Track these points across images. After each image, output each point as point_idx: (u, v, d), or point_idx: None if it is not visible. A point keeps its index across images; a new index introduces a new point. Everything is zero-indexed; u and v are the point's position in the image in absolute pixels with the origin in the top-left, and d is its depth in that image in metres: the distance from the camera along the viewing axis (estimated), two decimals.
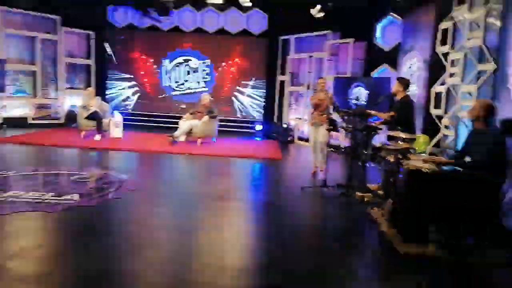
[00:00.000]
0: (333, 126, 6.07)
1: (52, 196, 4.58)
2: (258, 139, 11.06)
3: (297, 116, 11.29)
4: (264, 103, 12.13)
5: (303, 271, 3.12)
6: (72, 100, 11.46)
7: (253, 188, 6.01)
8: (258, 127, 11.63)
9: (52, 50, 11.14)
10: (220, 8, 11.32)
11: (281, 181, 6.56)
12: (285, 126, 11.18)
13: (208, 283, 2.82)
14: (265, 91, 12.11)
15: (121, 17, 12.02)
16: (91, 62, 11.98)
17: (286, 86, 11.51)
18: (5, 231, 3.66)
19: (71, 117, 10.94)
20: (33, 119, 10.75)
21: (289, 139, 10.89)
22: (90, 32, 11.79)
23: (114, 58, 12.11)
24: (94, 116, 8.99)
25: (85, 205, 4.41)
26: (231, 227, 4.20)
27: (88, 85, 11.54)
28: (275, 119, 11.73)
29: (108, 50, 11.96)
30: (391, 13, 8.74)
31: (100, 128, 8.98)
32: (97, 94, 9.89)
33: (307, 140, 10.57)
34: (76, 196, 4.64)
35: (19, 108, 10.61)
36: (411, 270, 3.21)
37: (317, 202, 5.19)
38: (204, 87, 12.22)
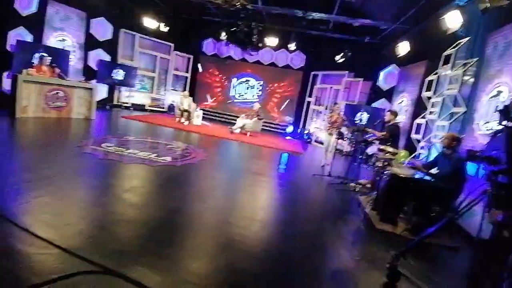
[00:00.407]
0: (341, 136, 5.90)
1: (154, 156, 4.72)
2: (288, 138, 10.94)
3: (316, 126, 11.03)
4: (294, 115, 11.93)
5: (308, 229, 3.09)
6: (173, 97, 11.80)
7: (279, 170, 5.98)
8: (289, 129, 11.49)
9: (166, 65, 11.51)
10: (274, 48, 11.21)
11: (299, 168, 6.47)
12: (307, 131, 10.98)
13: (243, 227, 2.85)
14: (295, 106, 11.90)
15: (209, 48, 12.23)
16: (188, 75, 12.30)
17: (311, 105, 11.28)
18: (124, 174, 3.87)
19: (171, 108, 11.33)
20: (148, 106, 11.20)
21: (308, 140, 10.68)
22: (190, 56, 12.09)
23: (200, 67, 12.38)
24: (185, 109, 9.25)
25: (173, 165, 4.53)
26: (262, 193, 4.20)
27: (184, 89, 11.90)
28: (301, 126, 11.54)
29: (200, 69, 12.25)
30: (393, 64, 8.28)
31: (188, 117, 9.25)
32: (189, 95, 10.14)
33: (321, 143, 10.38)
34: (168, 158, 4.77)
35: (141, 99, 11.08)
36: (383, 241, 3.07)
37: (322, 186, 5.07)
38: (256, 98, 12.20)
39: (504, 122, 1.86)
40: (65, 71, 7.19)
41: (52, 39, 7.72)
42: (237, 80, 12.38)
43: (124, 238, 2.30)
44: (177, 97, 10.74)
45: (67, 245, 1.95)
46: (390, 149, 4.20)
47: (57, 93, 6.34)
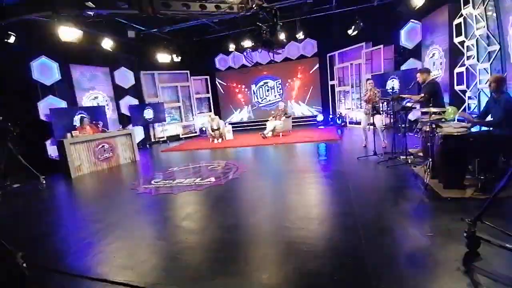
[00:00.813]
0: (377, 111, 5.63)
1: (199, 180, 4.91)
2: (321, 127, 10.67)
3: (347, 107, 10.61)
4: (321, 102, 11.61)
5: (369, 216, 2.95)
6: (202, 120, 12.20)
7: (321, 162, 5.83)
8: (320, 117, 11.20)
9: (187, 92, 12.00)
10: (284, 44, 11.10)
11: (341, 155, 6.23)
12: (338, 115, 10.60)
13: (302, 228, 2.82)
14: (320, 93, 11.58)
15: (222, 63, 12.52)
16: (209, 95, 12.66)
17: (336, 87, 10.89)
18: (177, 204, 4.06)
19: (202, 130, 11.73)
20: (182, 135, 11.73)
21: (342, 124, 10.30)
22: (206, 76, 12.47)
23: (221, 89, 12.70)
24: (215, 129, 9.52)
25: (217, 184, 4.65)
26: (310, 189, 4.11)
27: (209, 109, 12.27)
28: (330, 111, 11.19)
29: (221, 90, 12.57)
30: (411, 20, 7.68)
31: (220, 135, 9.51)
32: (215, 114, 10.45)
33: (356, 123, 9.95)
34: (212, 179, 4.92)
35: (174, 129, 11.62)
36: (453, 210, 2.81)
37: (371, 167, 4.82)
38: (279, 98, 12.14)
39: None
40: (105, 124, 7.90)
41: (85, 99, 8.54)
42: (256, 85, 12.46)
43: (193, 264, 2.41)
44: (205, 120, 11.10)
45: (144, 283, 2.11)
46: (434, 109, 3.86)
47: (103, 146, 6.97)
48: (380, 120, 5.76)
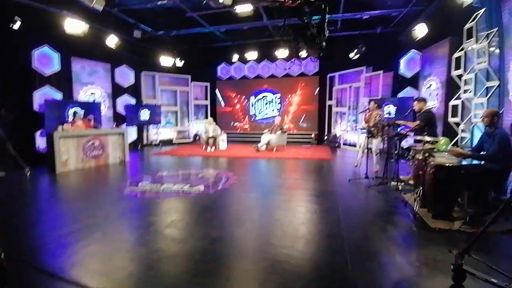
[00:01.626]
0: (371, 134, 5.67)
1: (187, 187, 4.82)
2: (315, 145, 10.71)
3: (342, 129, 10.71)
4: (318, 120, 11.70)
5: (356, 240, 2.90)
6: (197, 126, 12.17)
7: (312, 180, 5.79)
8: (314, 137, 11.25)
9: (186, 97, 11.99)
10: (285, 60, 11.28)
11: (332, 175, 6.21)
12: (332, 135, 10.69)
13: (288, 246, 2.76)
14: (318, 112, 11.70)
15: (224, 72, 12.63)
16: (207, 102, 12.64)
17: (333, 108, 11.03)
18: (162, 210, 3.95)
19: (196, 137, 11.65)
20: (175, 139, 11.63)
21: (336, 145, 10.36)
22: (207, 84, 12.51)
23: (221, 99, 12.76)
24: (211, 136, 9.45)
25: (206, 193, 4.58)
26: (299, 207, 4.05)
27: (206, 117, 12.24)
28: (326, 131, 11.27)
29: (218, 95, 12.62)
30: (412, 49, 7.91)
31: (213, 143, 9.45)
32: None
33: (350, 145, 10.03)
34: (201, 187, 4.84)
35: (168, 133, 11.54)
36: (440, 241, 2.80)
37: (361, 190, 4.81)
38: (277, 112, 12.21)
39: None
40: (98, 121, 7.78)
41: (82, 94, 8.44)
42: (255, 98, 12.54)
43: (172, 275, 2.31)
44: (201, 126, 11.05)
45: None
46: (428, 138, 3.90)
47: (93, 143, 6.83)
48: (377, 143, 5.80)
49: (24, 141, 6.58)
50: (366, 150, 6.00)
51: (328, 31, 4.79)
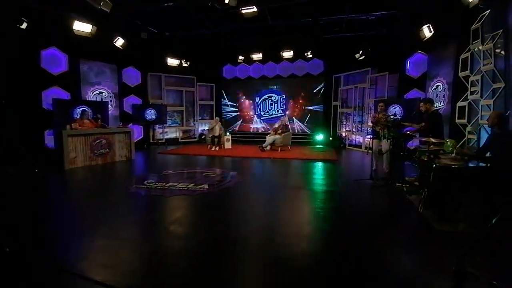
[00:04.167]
0: (377, 135, 5.66)
1: (192, 186, 4.87)
2: (320, 146, 10.69)
3: (347, 129, 10.68)
4: (323, 121, 11.68)
5: (361, 240, 2.91)
6: (202, 126, 12.30)
7: (317, 180, 5.79)
8: (319, 137, 11.24)
9: (191, 97, 12.10)
10: (291, 60, 11.31)
11: (337, 175, 6.20)
12: (338, 136, 10.66)
13: (292, 244, 2.78)
14: (323, 112, 11.68)
15: (229, 72, 12.69)
16: (213, 102, 12.74)
17: (339, 108, 11.01)
18: (167, 207, 4.01)
19: (202, 136, 11.75)
20: (181, 139, 11.73)
21: (341, 145, 10.33)
22: (212, 84, 12.59)
23: (226, 99, 12.82)
24: (216, 136, 9.53)
25: (211, 191, 4.61)
26: (304, 206, 4.07)
27: (212, 117, 12.32)
28: (331, 132, 11.25)
29: (224, 96, 12.69)
30: (418, 51, 7.86)
31: (218, 143, 9.50)
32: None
33: (356, 145, 9.99)
34: (206, 186, 4.88)
35: (173, 133, 11.68)
36: (445, 242, 2.80)
37: (367, 190, 4.79)
38: (282, 113, 12.23)
39: None
40: (105, 120, 7.91)
41: (90, 93, 8.60)
42: (260, 98, 12.57)
43: (176, 270, 2.35)
44: (207, 126, 11.12)
45: (124, 285, 2.05)
46: (433, 139, 3.88)
47: (101, 141, 6.95)
48: (386, 144, 5.76)
49: (33, 139, 6.73)
50: (378, 151, 5.96)
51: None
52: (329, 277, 2.24)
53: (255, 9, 6.29)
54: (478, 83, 5.21)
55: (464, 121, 5.60)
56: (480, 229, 2.83)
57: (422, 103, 4.85)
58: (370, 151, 6.04)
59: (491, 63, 4.74)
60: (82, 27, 6.52)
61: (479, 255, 2.10)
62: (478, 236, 2.07)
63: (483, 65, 5.01)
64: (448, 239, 2.84)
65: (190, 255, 2.61)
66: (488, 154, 3.40)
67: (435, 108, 4.99)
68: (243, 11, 6.34)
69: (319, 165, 7.22)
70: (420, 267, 2.39)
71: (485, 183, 3.11)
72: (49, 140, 7.19)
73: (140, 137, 10.28)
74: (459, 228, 3.00)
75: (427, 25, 6.66)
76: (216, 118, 10.24)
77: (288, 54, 10.09)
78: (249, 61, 11.27)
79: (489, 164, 3.30)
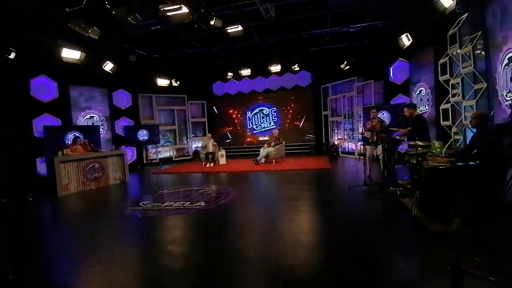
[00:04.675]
0: (367, 141, 5.76)
1: (189, 204, 4.85)
2: (313, 155, 10.77)
3: (339, 137, 10.85)
4: (314, 130, 11.85)
5: (357, 245, 2.94)
6: (196, 143, 12.30)
7: (312, 190, 5.83)
8: (312, 147, 11.34)
9: (183, 115, 12.14)
10: (279, 73, 11.57)
11: (332, 184, 6.26)
12: (330, 145, 10.80)
13: (289, 256, 2.79)
14: (314, 122, 11.86)
15: (219, 89, 12.87)
16: (205, 119, 12.79)
17: (329, 118, 11.21)
18: (164, 227, 3.97)
19: (196, 154, 11.74)
20: (175, 157, 11.69)
21: (334, 154, 10.46)
22: (203, 101, 12.68)
23: (218, 115, 12.93)
24: (210, 152, 9.55)
25: (208, 208, 4.60)
26: (300, 217, 4.09)
27: (205, 134, 12.35)
28: (324, 141, 11.39)
29: (215, 112, 12.82)
30: (399, 58, 8.18)
31: (212, 159, 9.52)
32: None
33: (348, 153, 10.13)
34: (202, 203, 4.87)
35: (167, 152, 11.63)
36: (439, 243, 2.85)
37: (361, 197, 4.84)
38: (274, 125, 12.37)
39: None
40: (97, 144, 7.87)
41: (81, 118, 8.59)
42: (251, 112, 12.73)
43: None
44: (200, 143, 11.14)
45: None
46: (420, 142, 4.00)
47: (93, 165, 6.90)
48: (379, 150, 5.85)
49: (25, 167, 6.64)
50: (373, 157, 6.04)
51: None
52: (325, 285, 2.25)
53: (240, 28, 6.50)
54: (459, 85, 5.42)
55: (449, 122, 5.78)
56: (470, 228, 2.89)
57: (406, 108, 5.02)
58: (362, 157, 6.13)
59: (471, 65, 4.93)
60: (70, 54, 6.60)
61: (474, 254, 2.14)
62: (469, 234, 2.12)
63: (463, 68, 5.22)
64: (441, 239, 2.89)
65: (190, 272, 2.59)
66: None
67: (419, 112, 5.16)
68: (229, 31, 6.55)
69: (314, 174, 7.28)
70: (417, 268, 2.43)
71: (473, 181, 3.18)
72: (41, 168, 7.10)
73: (134, 159, 10.22)
74: (452, 228, 3.06)
75: (405, 34, 6.97)
76: (209, 134, 10.29)
77: (276, 68, 10.35)
78: (238, 77, 11.49)
79: (477, 162, 3.37)
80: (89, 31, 5.40)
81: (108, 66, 7.96)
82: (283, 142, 9.54)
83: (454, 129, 5.63)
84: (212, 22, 5.80)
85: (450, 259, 2.11)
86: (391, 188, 4.79)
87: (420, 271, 2.40)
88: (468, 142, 4.03)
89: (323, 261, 2.72)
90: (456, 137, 5.62)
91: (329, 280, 2.34)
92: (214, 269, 2.61)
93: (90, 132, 8.13)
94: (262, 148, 9.51)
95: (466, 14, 5.09)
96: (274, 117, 12.44)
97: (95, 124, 8.87)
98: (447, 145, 5.65)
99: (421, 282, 2.23)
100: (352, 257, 2.69)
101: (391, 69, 8.47)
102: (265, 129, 12.48)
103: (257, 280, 2.43)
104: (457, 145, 5.51)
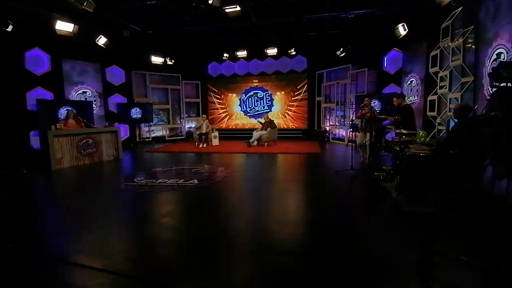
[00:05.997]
0: (355, 128, 5.97)
1: (182, 181, 5.02)
2: (304, 140, 11.00)
3: (331, 123, 11.06)
4: (307, 115, 12.02)
5: (338, 223, 3.19)
6: (189, 123, 12.34)
7: (302, 172, 6.07)
8: (304, 132, 11.54)
9: (177, 95, 12.09)
10: (275, 57, 11.52)
11: (320, 167, 6.51)
12: (322, 130, 11.03)
13: (278, 231, 3.02)
14: (307, 108, 12.00)
15: (213, 70, 12.76)
16: (199, 100, 12.77)
17: (322, 104, 11.36)
18: (158, 202, 4.15)
19: (189, 134, 11.81)
20: (168, 137, 11.77)
21: (325, 139, 10.70)
22: (198, 82, 12.62)
23: (212, 97, 12.90)
24: (203, 133, 9.65)
25: (200, 186, 4.79)
26: (290, 197, 4.30)
27: (197, 114, 12.37)
28: (315, 127, 11.59)
29: (210, 93, 12.76)
30: (394, 48, 8.27)
31: (206, 140, 9.63)
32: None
33: (339, 139, 10.39)
34: (195, 181, 5.05)
35: (160, 131, 11.67)
36: (414, 224, 3.13)
37: (347, 180, 5.09)
38: (267, 109, 12.46)
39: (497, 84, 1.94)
40: (90, 120, 7.86)
41: (73, 93, 8.50)
42: (246, 95, 12.74)
43: (168, 257, 2.54)
44: (193, 124, 11.17)
45: (120, 270, 2.23)
46: (404, 131, 4.24)
47: (87, 141, 6.94)
48: (368, 137, 6.06)
49: (18, 140, 6.66)
50: (365, 143, 6.24)
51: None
52: (314, 257, 2.49)
53: (238, 8, 6.44)
54: (447, 78, 5.61)
55: (434, 113, 6.02)
56: (446, 211, 3.16)
57: (395, 98, 5.22)
58: (350, 144, 6.37)
59: (460, 59, 5.10)
60: (64, 26, 6.44)
61: (447, 235, 2.36)
62: (445, 216, 2.35)
63: (452, 61, 5.39)
64: (417, 221, 3.16)
65: (182, 242, 2.80)
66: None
67: (407, 102, 5.36)
68: (227, 10, 6.48)
69: (304, 158, 7.51)
70: (391, 243, 2.69)
71: (452, 168, 3.41)
72: (34, 141, 7.10)
73: (126, 136, 10.23)
74: (427, 211, 3.33)
75: (402, 23, 7.03)
76: (203, 115, 10.33)
77: (272, 51, 10.29)
78: (234, 58, 11.39)
79: (457, 150, 3.59)
80: (84, 3, 5.28)
81: (102, 41, 7.79)
82: (276, 126, 9.70)
83: (438, 120, 5.87)
84: (210, 1, 5.73)
85: (421, 238, 2.35)
86: (375, 173, 5.07)
87: (394, 246, 2.66)
88: (450, 132, 4.25)
89: (309, 235, 2.97)
90: (440, 127, 5.88)
91: (313, 250, 2.59)
92: (205, 241, 2.82)
93: (83, 107, 8.08)
94: (255, 130, 9.66)
95: (460, 8, 5.19)
96: (269, 101, 12.50)
97: (87, 99, 8.79)
98: (431, 135, 5.90)
99: (394, 255, 2.49)
100: (334, 232, 2.94)
101: (385, 58, 8.57)
102: (259, 112, 12.56)
103: (247, 250, 2.65)
104: (440, 135, 5.78)
